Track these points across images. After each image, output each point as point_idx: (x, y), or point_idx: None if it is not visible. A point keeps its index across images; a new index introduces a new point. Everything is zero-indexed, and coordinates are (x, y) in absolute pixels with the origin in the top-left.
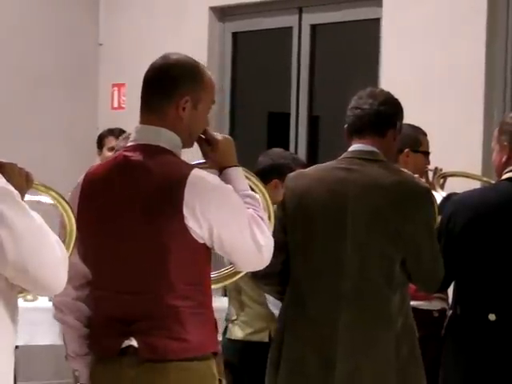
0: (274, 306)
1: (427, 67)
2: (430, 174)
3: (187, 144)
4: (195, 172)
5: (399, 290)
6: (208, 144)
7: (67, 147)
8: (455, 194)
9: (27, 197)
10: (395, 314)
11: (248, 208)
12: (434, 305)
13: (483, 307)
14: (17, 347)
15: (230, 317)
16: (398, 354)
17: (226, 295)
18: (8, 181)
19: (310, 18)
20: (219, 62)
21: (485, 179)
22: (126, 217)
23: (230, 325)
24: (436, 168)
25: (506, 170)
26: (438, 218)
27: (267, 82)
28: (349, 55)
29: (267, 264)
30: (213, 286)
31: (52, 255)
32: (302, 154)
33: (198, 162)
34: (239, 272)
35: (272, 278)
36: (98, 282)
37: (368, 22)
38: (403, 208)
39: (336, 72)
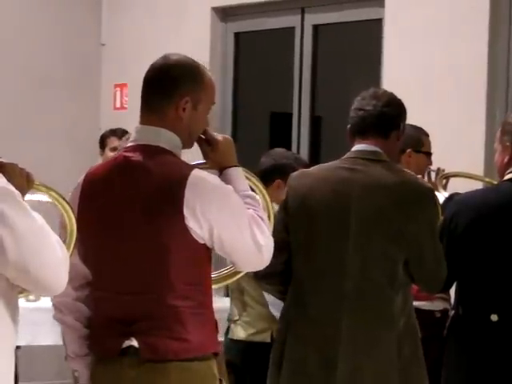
0: (274, 307)
1: (429, 67)
2: (433, 175)
3: (187, 144)
4: (195, 172)
5: (402, 290)
6: (208, 144)
7: (69, 147)
8: (457, 194)
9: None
10: (397, 315)
11: (248, 208)
12: (436, 305)
13: (485, 308)
14: (19, 347)
15: (233, 317)
16: (400, 354)
17: (227, 295)
18: (9, 181)
19: (313, 19)
20: (221, 63)
21: (487, 180)
22: (126, 217)
23: (233, 325)
24: (438, 168)
25: (509, 171)
26: (441, 219)
27: (269, 82)
28: (351, 55)
29: (267, 264)
30: (213, 286)
31: (53, 255)
32: (304, 154)
33: (198, 162)
34: (239, 272)
35: (274, 277)
36: (98, 282)
37: (370, 23)
38: (406, 208)
39: (338, 72)
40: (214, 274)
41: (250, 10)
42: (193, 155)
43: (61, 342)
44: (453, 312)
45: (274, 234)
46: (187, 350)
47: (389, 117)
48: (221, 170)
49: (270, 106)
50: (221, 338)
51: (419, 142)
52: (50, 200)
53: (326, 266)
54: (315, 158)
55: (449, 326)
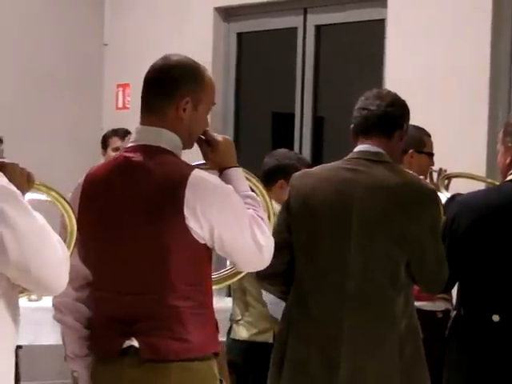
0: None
1: (432, 68)
2: (435, 175)
3: (187, 145)
4: (196, 172)
5: (403, 291)
6: (208, 145)
7: (72, 147)
8: (460, 194)
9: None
10: (399, 316)
11: (248, 208)
12: (438, 305)
13: (487, 308)
14: (21, 347)
15: (235, 317)
16: (402, 355)
17: (229, 295)
18: (9, 181)
19: (315, 19)
20: (224, 63)
21: (489, 180)
22: (127, 217)
23: (235, 325)
24: (440, 169)
25: (511, 172)
26: (444, 219)
27: (272, 83)
28: (353, 56)
29: (268, 264)
30: (214, 287)
31: (54, 255)
32: (307, 154)
33: (198, 163)
34: (240, 273)
35: (276, 278)
36: (98, 282)
37: (373, 23)
38: (409, 209)
39: (341, 73)
40: (214, 275)
41: (252, 10)
42: (193, 156)
43: None
44: (454, 312)
45: (276, 235)
46: (188, 350)
47: (392, 117)
48: (221, 171)
49: (272, 107)
50: (222, 338)
51: (421, 142)
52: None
53: (328, 266)
54: (317, 158)
55: (450, 327)
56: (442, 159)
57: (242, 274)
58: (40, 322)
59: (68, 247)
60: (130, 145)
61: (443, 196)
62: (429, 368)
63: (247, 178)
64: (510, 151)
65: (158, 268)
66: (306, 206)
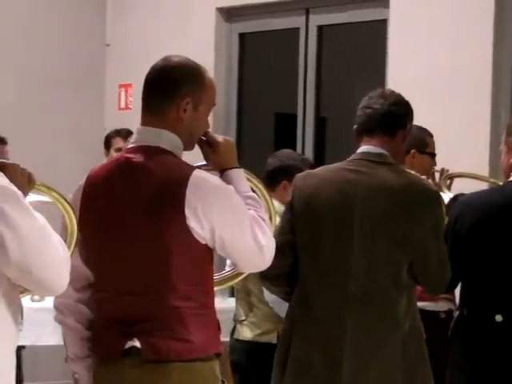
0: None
1: (434, 68)
2: (437, 175)
3: (188, 146)
4: (197, 173)
5: (406, 292)
6: (209, 146)
7: (74, 148)
8: (462, 194)
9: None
10: (402, 318)
11: (249, 209)
12: (441, 306)
13: (490, 308)
14: (23, 347)
15: (239, 317)
16: (405, 355)
17: (233, 296)
18: (10, 181)
19: (317, 19)
20: (226, 63)
21: (492, 180)
22: (128, 218)
23: (239, 325)
24: (443, 169)
25: None
26: (446, 220)
27: (274, 83)
28: (355, 56)
29: (269, 265)
30: (216, 288)
31: (55, 256)
32: (309, 155)
33: (199, 164)
34: (241, 274)
35: (280, 279)
36: (99, 283)
37: (375, 23)
38: (412, 210)
39: (343, 73)
40: (216, 276)
41: (254, 10)
42: (193, 157)
43: None
44: (457, 313)
45: (281, 236)
46: (189, 350)
47: (396, 115)
48: (222, 172)
49: (274, 107)
50: (225, 339)
51: (423, 142)
52: (51, 200)
53: (331, 267)
54: (320, 159)
55: (453, 327)
56: (444, 159)
57: (244, 276)
58: (42, 323)
59: (68, 247)
60: (130, 145)
61: (445, 196)
62: (432, 368)
63: (248, 179)
64: None
65: (158, 268)
66: (309, 206)
